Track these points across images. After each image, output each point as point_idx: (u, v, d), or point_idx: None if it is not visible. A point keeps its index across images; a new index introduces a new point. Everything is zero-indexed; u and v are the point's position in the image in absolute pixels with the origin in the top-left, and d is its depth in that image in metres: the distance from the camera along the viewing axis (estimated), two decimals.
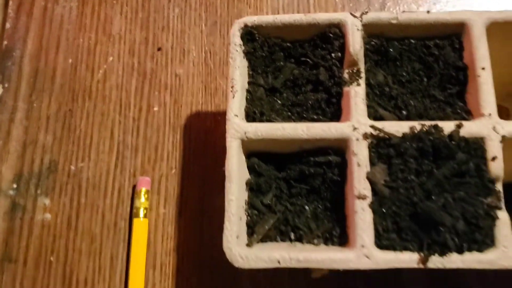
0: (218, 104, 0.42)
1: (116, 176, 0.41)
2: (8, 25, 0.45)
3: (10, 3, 0.45)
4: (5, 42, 0.44)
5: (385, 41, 0.35)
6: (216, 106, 0.42)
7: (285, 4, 0.44)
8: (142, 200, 0.39)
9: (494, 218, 0.30)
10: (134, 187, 0.40)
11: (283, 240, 0.33)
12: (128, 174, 0.41)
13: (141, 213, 0.39)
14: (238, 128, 0.32)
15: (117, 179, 0.41)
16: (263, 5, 0.44)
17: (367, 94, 0.34)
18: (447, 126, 0.31)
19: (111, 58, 0.44)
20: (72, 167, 0.41)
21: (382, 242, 0.30)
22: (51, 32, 0.45)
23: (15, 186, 0.41)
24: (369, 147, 0.31)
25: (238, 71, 0.34)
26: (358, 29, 0.33)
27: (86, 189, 0.41)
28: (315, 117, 0.34)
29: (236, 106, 0.33)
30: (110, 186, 0.41)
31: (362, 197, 0.31)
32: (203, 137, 0.41)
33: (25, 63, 0.44)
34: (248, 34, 0.35)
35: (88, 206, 0.40)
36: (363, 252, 0.30)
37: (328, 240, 0.33)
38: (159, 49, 0.44)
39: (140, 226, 0.39)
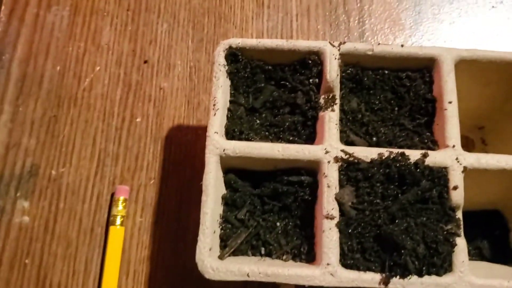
0: (200, 119, 0.44)
1: (95, 183, 0.42)
2: None
3: (3, 8, 0.46)
4: None
5: (361, 70, 0.37)
6: (197, 120, 0.44)
7: (269, 26, 0.46)
8: (119, 208, 0.40)
9: (452, 244, 0.32)
10: (112, 194, 0.41)
11: (254, 255, 0.35)
12: (107, 182, 0.42)
13: (118, 220, 0.40)
14: (217, 145, 0.34)
15: (97, 186, 0.42)
16: (248, 26, 0.46)
17: (341, 119, 0.36)
18: (414, 155, 0.33)
19: (98, 68, 0.45)
20: (53, 172, 0.42)
21: (347, 261, 0.32)
22: (42, 38, 0.46)
23: None
24: (339, 170, 0.33)
25: (221, 90, 0.35)
26: (335, 58, 0.35)
27: (65, 194, 0.42)
28: (291, 138, 0.36)
29: (216, 123, 0.34)
30: (89, 193, 0.42)
31: (330, 217, 0.32)
32: (183, 150, 0.43)
33: (14, 67, 0.45)
34: (232, 55, 0.36)
35: (66, 211, 0.41)
36: (328, 270, 0.31)
37: (296, 256, 0.34)
38: (145, 61, 0.45)
39: (116, 233, 0.40)
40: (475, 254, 0.40)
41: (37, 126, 0.43)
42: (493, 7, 0.47)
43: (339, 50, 0.36)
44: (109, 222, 0.40)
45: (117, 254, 0.40)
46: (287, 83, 0.37)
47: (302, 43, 0.36)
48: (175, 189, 0.42)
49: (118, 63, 0.45)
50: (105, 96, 0.44)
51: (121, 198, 0.40)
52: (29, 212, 0.41)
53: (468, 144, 0.43)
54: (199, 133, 0.43)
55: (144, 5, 0.47)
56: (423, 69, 0.37)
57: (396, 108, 0.37)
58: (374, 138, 0.36)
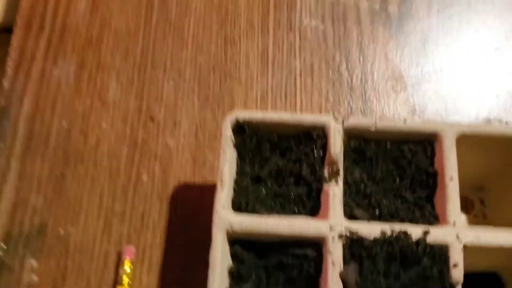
0: (205, 176, 0.44)
1: (103, 242, 0.43)
2: (5, 84, 0.46)
3: (9, 62, 0.47)
4: (2, 101, 0.46)
5: (363, 142, 0.38)
6: (203, 178, 0.44)
7: (273, 84, 0.47)
8: (126, 269, 0.41)
9: None
10: (119, 253, 0.42)
11: None
12: (114, 241, 0.43)
13: (124, 281, 0.41)
14: (225, 220, 0.35)
15: (104, 245, 0.43)
16: (253, 83, 0.47)
17: (344, 191, 0.37)
18: (415, 232, 0.34)
19: (104, 125, 0.46)
20: (61, 231, 0.43)
21: None
22: (48, 94, 0.46)
23: (3, 246, 0.42)
24: (343, 246, 0.34)
25: (228, 163, 0.36)
26: (339, 133, 0.36)
27: (73, 253, 0.42)
28: (296, 209, 0.37)
29: (223, 197, 0.35)
30: (97, 252, 0.42)
31: None
32: (189, 209, 0.44)
33: (20, 123, 0.45)
34: (239, 127, 0.37)
35: (74, 270, 0.42)
36: None
37: None
38: (151, 119, 0.46)
39: None
40: None
41: (44, 183, 0.44)
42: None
43: (343, 125, 0.37)
44: (116, 282, 0.41)
45: None
46: (292, 154, 0.38)
47: (307, 118, 0.37)
48: (181, 248, 0.42)
49: (124, 120, 0.46)
50: (111, 154, 0.45)
51: (128, 259, 0.41)
52: (38, 271, 0.42)
53: (467, 205, 0.44)
54: (204, 191, 0.44)
55: (150, 61, 0.48)
56: (425, 142, 0.38)
57: (398, 179, 0.38)
58: (377, 210, 0.37)
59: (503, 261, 0.39)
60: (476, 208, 0.44)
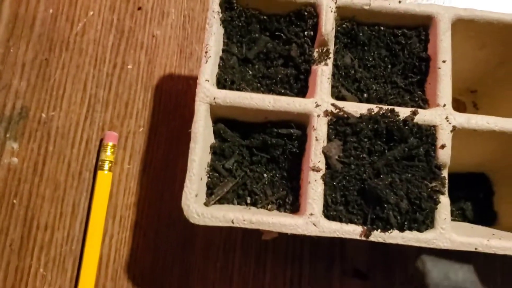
0: (192, 69, 0.43)
1: (85, 128, 0.42)
2: None
3: None
4: None
5: (356, 25, 0.36)
6: (189, 70, 0.43)
7: None
8: (108, 154, 0.40)
9: (436, 202, 0.33)
10: (101, 140, 0.41)
11: (239, 204, 0.35)
12: (96, 127, 0.42)
13: (106, 166, 0.40)
14: (208, 93, 0.34)
15: (86, 131, 0.42)
16: None
17: (333, 75, 0.36)
18: (403, 112, 0.33)
19: (91, 13, 0.44)
20: (43, 115, 0.42)
21: (330, 212, 0.32)
22: None
23: None
24: (328, 124, 0.33)
25: (214, 37, 0.35)
26: (331, 11, 0.35)
27: (54, 138, 0.42)
28: (283, 91, 0.36)
29: (208, 71, 0.34)
30: (79, 137, 0.42)
31: (316, 170, 0.32)
32: (173, 99, 0.42)
33: (4, 6, 0.44)
34: (227, 2, 0.36)
35: (55, 154, 0.41)
36: (311, 220, 0.32)
37: (281, 206, 0.35)
38: (139, 8, 0.44)
39: (104, 178, 0.40)
40: (458, 215, 0.41)
41: (28, 68, 0.43)
42: None
43: (335, 2, 0.35)
44: (97, 167, 0.41)
45: (104, 198, 0.40)
46: (282, 35, 0.37)
47: None
48: (163, 138, 0.42)
49: (111, 9, 0.44)
50: (97, 42, 0.44)
51: (110, 144, 0.40)
52: (18, 154, 0.41)
53: (459, 107, 0.43)
54: (190, 83, 0.43)
55: None
56: (419, 27, 0.36)
57: (390, 66, 0.37)
58: (365, 95, 0.36)
59: (491, 157, 0.38)
60: (468, 111, 0.43)
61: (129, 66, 0.43)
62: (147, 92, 0.43)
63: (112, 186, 0.41)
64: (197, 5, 0.45)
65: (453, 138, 0.33)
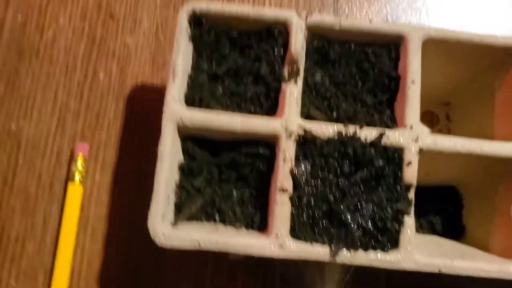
0: (164, 78, 0.43)
1: (56, 139, 0.41)
2: None
3: None
4: None
5: (327, 43, 0.36)
6: (162, 80, 0.43)
7: None
8: (78, 165, 0.40)
9: (401, 223, 0.33)
10: (72, 150, 0.41)
11: (208, 221, 0.35)
12: (67, 138, 0.41)
13: (77, 177, 0.40)
14: (175, 113, 0.34)
15: (57, 141, 0.41)
16: None
17: (304, 92, 0.35)
18: (370, 134, 0.33)
19: (61, 20, 0.44)
20: (13, 126, 0.41)
21: (297, 233, 0.33)
22: None
23: None
24: (296, 145, 0.33)
25: (182, 55, 0.34)
26: (301, 30, 0.35)
27: (25, 149, 0.41)
28: (253, 109, 0.36)
29: (175, 90, 0.34)
30: (49, 148, 0.41)
31: (283, 190, 0.33)
32: (145, 110, 0.42)
33: None
34: (196, 19, 0.35)
35: (25, 165, 0.41)
36: (278, 241, 0.32)
37: (249, 225, 0.35)
38: (111, 16, 0.44)
39: (75, 190, 0.40)
40: (427, 228, 0.41)
41: None
42: None
43: (306, 21, 0.35)
44: (68, 178, 0.40)
45: (75, 210, 0.40)
46: (252, 52, 0.36)
47: (268, 12, 0.35)
48: (135, 148, 0.42)
49: (82, 16, 0.44)
50: (68, 50, 0.43)
51: (80, 154, 0.40)
52: None
53: (433, 120, 0.43)
54: (162, 93, 0.42)
55: None
56: (390, 45, 0.36)
57: (360, 83, 0.37)
58: (335, 113, 0.36)
59: (460, 172, 0.38)
60: (441, 123, 0.43)
61: (101, 76, 0.43)
62: (119, 102, 0.42)
63: (83, 197, 0.40)
64: (170, 13, 0.44)
65: (421, 159, 0.34)
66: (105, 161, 0.41)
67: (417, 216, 0.39)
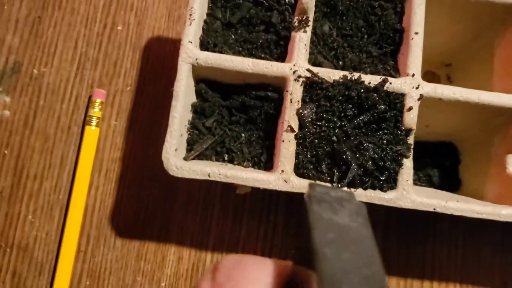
0: (179, 32, 0.45)
1: (75, 85, 0.44)
2: None
3: None
4: None
5: None
6: (177, 33, 0.45)
7: None
8: (95, 110, 0.42)
9: (400, 164, 0.35)
10: (90, 97, 0.43)
11: (217, 160, 0.38)
12: (86, 85, 0.44)
13: (94, 121, 0.42)
14: (190, 54, 0.36)
15: (76, 87, 0.44)
16: None
17: (312, 42, 0.37)
18: (374, 79, 0.35)
19: None
20: (35, 71, 0.44)
21: (300, 170, 0.35)
22: None
23: None
24: (303, 88, 0.35)
25: (198, 1, 0.36)
26: None
27: (45, 93, 0.43)
28: (263, 55, 0.38)
29: (191, 33, 0.36)
30: (68, 93, 0.43)
31: (290, 130, 0.35)
32: (161, 61, 0.44)
33: None
34: None
35: (45, 108, 0.43)
36: (283, 176, 0.34)
37: (256, 164, 0.37)
38: None
39: (91, 133, 0.42)
40: (425, 181, 0.43)
41: (21, 25, 0.44)
42: None
43: None
44: (85, 122, 0.43)
45: (91, 152, 0.42)
46: (264, 2, 0.38)
47: None
48: (150, 97, 0.44)
49: None
50: (88, 2, 0.45)
51: (98, 100, 0.42)
52: (10, 107, 0.43)
53: (434, 80, 0.45)
54: (177, 46, 0.44)
55: None
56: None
57: (366, 36, 0.39)
58: (341, 62, 0.38)
59: (458, 126, 0.40)
60: (442, 83, 0.44)
61: (119, 27, 0.45)
62: (136, 53, 0.44)
63: (99, 141, 0.43)
64: None
65: (421, 106, 0.35)
66: (121, 107, 0.43)
67: (416, 170, 0.41)
